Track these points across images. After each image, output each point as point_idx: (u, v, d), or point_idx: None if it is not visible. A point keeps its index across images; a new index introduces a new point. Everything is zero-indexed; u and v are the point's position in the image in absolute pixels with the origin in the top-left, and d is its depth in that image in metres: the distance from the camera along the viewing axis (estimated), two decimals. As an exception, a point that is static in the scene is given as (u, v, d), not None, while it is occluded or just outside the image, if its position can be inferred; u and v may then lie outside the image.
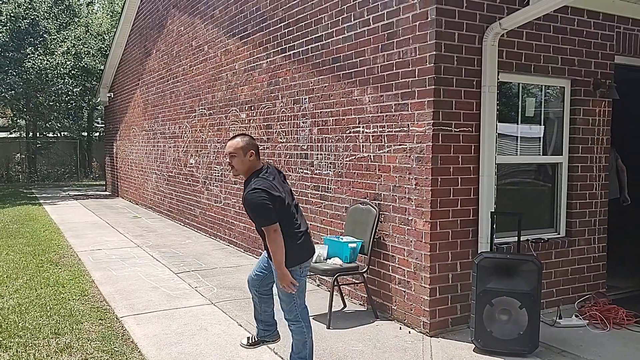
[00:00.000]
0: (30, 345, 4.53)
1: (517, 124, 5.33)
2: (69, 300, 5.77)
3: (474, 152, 4.83)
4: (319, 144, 6.28)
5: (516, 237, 4.76)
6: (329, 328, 4.91)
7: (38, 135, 24.72)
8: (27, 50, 18.67)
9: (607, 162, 5.72)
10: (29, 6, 19.25)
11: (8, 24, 18.33)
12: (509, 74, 5.06)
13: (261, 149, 7.54)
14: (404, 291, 4.99)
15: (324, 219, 6.22)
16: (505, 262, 4.38)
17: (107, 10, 22.99)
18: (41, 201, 15.39)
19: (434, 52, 4.58)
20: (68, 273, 6.90)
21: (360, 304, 5.63)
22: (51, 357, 4.28)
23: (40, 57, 18.67)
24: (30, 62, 18.40)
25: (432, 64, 4.60)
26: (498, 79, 4.86)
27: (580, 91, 5.48)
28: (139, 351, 4.43)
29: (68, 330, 4.86)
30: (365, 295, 5.40)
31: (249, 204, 3.57)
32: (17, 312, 5.35)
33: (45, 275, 6.79)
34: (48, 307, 5.50)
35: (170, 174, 11.62)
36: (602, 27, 5.53)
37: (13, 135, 24.81)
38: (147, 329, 4.90)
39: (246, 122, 8.02)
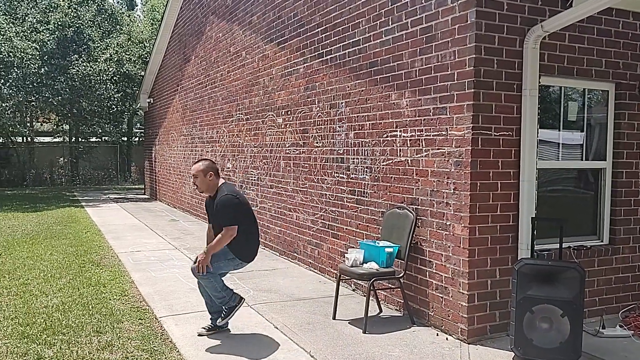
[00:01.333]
0: (73, 342, 4.65)
1: (559, 129, 5.21)
2: (110, 299, 5.91)
3: (514, 156, 4.75)
4: (356, 149, 6.28)
5: (557, 244, 4.65)
6: (365, 333, 4.89)
7: (80, 139, 25.47)
8: (72, 57, 19.27)
9: (653, 168, 5.54)
10: (75, 15, 19.89)
11: (56, 33, 18.96)
12: (550, 77, 4.96)
13: (297, 153, 7.63)
14: (442, 297, 4.93)
15: (359, 224, 6.22)
16: (546, 269, 4.28)
17: (148, 18, 23.53)
18: (83, 204, 15.84)
19: (474, 55, 4.53)
20: (109, 273, 7.08)
21: (396, 310, 5.59)
22: (93, 355, 4.39)
23: (84, 64, 19.25)
24: (74, 68, 18.98)
25: (472, 67, 4.55)
26: (539, 82, 4.78)
27: (625, 95, 5.33)
28: (177, 351, 4.50)
29: (109, 329, 4.97)
30: (402, 301, 5.36)
31: (223, 204, 4.64)
32: (61, 311, 5.51)
33: (87, 275, 6.98)
34: (90, 306, 5.65)
35: (208, 178, 11.77)
36: (648, 29, 5.37)
37: (57, 140, 25.63)
38: (185, 329, 4.98)
39: (282, 126, 8.09)
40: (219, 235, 4.61)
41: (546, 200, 5.11)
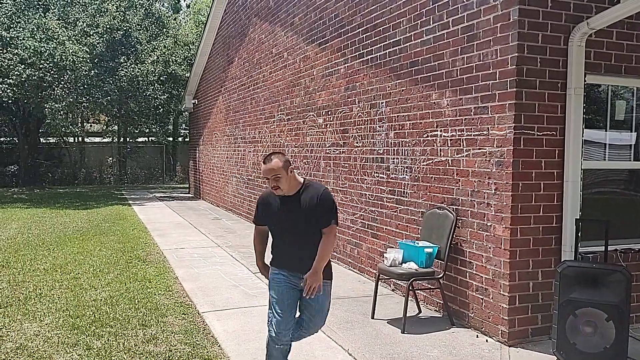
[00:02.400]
0: (120, 335, 4.83)
1: (606, 129, 5.07)
2: (155, 294, 6.09)
3: (557, 156, 4.65)
4: (396, 148, 6.27)
5: (602, 247, 4.53)
6: (403, 333, 4.89)
7: (128, 140, 26.25)
8: (121, 59, 19.89)
9: None
10: (123, 19, 20.53)
11: (105, 36, 19.62)
12: (596, 76, 4.83)
13: (337, 153, 7.67)
14: (482, 298, 4.88)
15: (399, 224, 6.21)
16: (591, 272, 4.18)
17: (194, 21, 24.05)
18: (130, 202, 16.33)
19: (516, 54, 4.47)
20: (154, 269, 7.29)
21: (435, 310, 5.56)
22: (138, 347, 4.55)
23: (132, 66, 19.84)
24: (123, 70, 19.58)
25: (514, 66, 4.48)
26: (585, 80, 4.67)
27: (677, 93, 5.14)
28: (219, 345, 4.61)
29: (154, 323, 5.14)
30: (441, 302, 5.33)
31: (328, 200, 3.57)
32: (109, 304, 5.72)
33: (133, 270, 7.21)
34: (136, 301, 5.84)
35: (250, 178, 11.98)
36: (702, 25, 5.16)
37: (106, 140, 26.50)
38: (226, 325, 5.09)
39: (323, 127, 8.15)
40: (324, 241, 3.55)
41: (592, 201, 4.98)
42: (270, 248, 3.88)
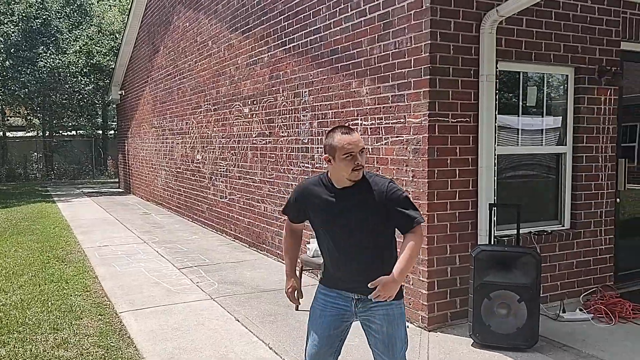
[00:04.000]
0: (28, 340, 4.54)
1: (518, 115, 5.20)
2: (71, 296, 5.79)
3: (472, 143, 4.72)
4: (319, 137, 6.21)
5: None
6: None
7: (54, 134, 25.03)
8: (40, 49, 18.85)
9: (613, 152, 5.57)
10: (41, 6, 19.44)
11: (20, 24, 18.52)
12: (508, 63, 4.93)
13: (264, 144, 7.55)
14: (403, 284, 4.90)
15: (324, 213, 6.16)
16: (503, 255, 4.29)
17: (118, 9, 23.08)
18: (55, 199, 15.56)
19: (429, 42, 4.48)
20: (73, 269, 6.94)
21: (360, 299, 5.56)
22: (47, 352, 4.29)
23: (53, 56, 18.85)
24: (42, 61, 18.58)
25: (428, 54, 4.50)
26: (497, 67, 4.75)
27: (585, 79, 5.33)
28: (135, 346, 4.42)
29: (67, 326, 4.87)
30: (365, 290, 5.33)
31: (400, 192, 2.72)
32: (19, 308, 5.38)
33: (50, 271, 6.84)
34: (49, 303, 5.52)
35: (179, 170, 11.66)
36: (607, 13, 5.37)
37: (30, 135, 25.15)
38: (144, 324, 4.89)
39: (249, 116, 7.99)
40: (414, 243, 2.67)
41: (507, 186, 5.11)
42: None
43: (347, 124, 2.93)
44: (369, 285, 2.58)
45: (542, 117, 5.34)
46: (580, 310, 4.99)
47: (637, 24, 5.56)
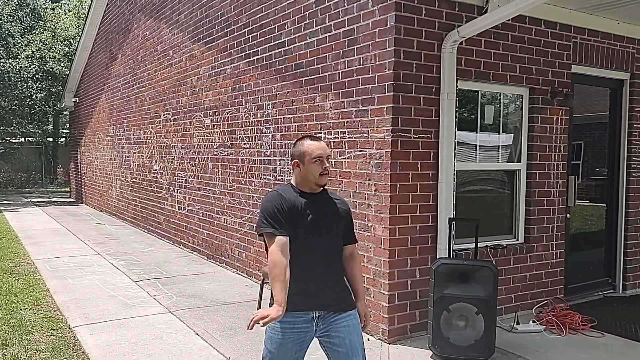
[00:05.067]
0: (-25, 356, 4.35)
1: (477, 131, 5.37)
2: (21, 309, 5.57)
3: (433, 158, 4.84)
4: (282, 150, 6.23)
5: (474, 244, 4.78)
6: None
7: (1, 140, 24.06)
8: (-11, 52, 18.21)
9: (564, 169, 5.81)
10: (-8, 8, 18.85)
11: (-31, 26, 17.86)
12: (468, 82, 5.10)
13: (225, 155, 7.50)
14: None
15: (286, 226, 6.16)
16: (462, 268, 4.39)
17: (74, 14, 22.54)
18: (1, 208, 14.94)
19: (393, 59, 4.59)
20: (22, 282, 6.68)
21: (321, 312, 5.57)
22: (-4, 369, 4.12)
23: (2, 61, 18.21)
24: (-8, 65, 17.95)
25: (391, 71, 4.60)
26: (457, 86, 4.90)
27: (538, 99, 5.56)
28: (90, 361, 4.29)
29: (17, 341, 4.68)
30: (326, 303, 5.35)
31: (348, 207, 2.94)
32: (-35, 323, 5.14)
33: (-3, 284, 6.56)
34: (-2, 317, 5.30)
35: (135, 180, 11.42)
36: (559, 37, 5.63)
37: (-26, 140, 24.10)
38: (100, 339, 4.76)
39: (210, 127, 7.93)
40: (357, 259, 2.96)
41: (465, 200, 5.25)
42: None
43: (319, 137, 3.00)
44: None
45: (499, 134, 5.53)
46: (534, 322, 5.16)
47: (587, 48, 5.85)
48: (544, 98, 5.59)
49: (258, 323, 2.46)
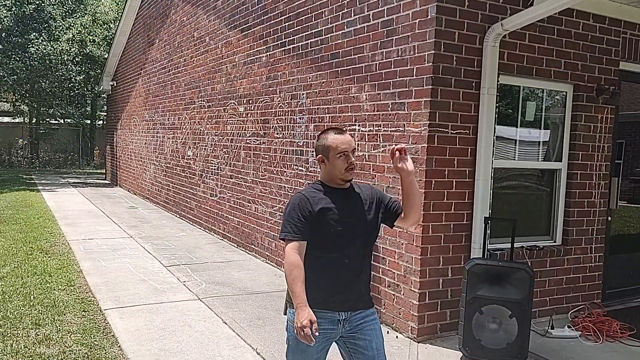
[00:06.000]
0: (8, 335, 4.44)
1: (517, 128, 5.20)
2: (54, 290, 5.68)
3: (470, 155, 4.70)
4: (315, 141, 6.15)
5: (510, 244, 4.64)
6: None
7: (41, 121, 24.68)
8: (31, 35, 18.57)
9: (607, 170, 5.59)
10: (35, -9, 19.21)
11: (13, 9, 18.23)
12: (509, 77, 4.93)
13: (257, 144, 7.48)
14: (393, 294, 4.88)
15: (316, 218, 6.11)
16: (497, 270, 4.26)
17: (114, -1, 22.84)
18: (39, 187, 15.33)
19: (433, 51, 4.46)
20: (57, 262, 6.82)
21: (349, 306, 5.52)
22: (28, 349, 4.19)
23: (44, 43, 18.58)
24: (33, 47, 18.31)
25: (431, 63, 4.47)
26: (498, 81, 4.74)
27: (583, 97, 5.34)
28: (119, 346, 4.33)
29: (49, 322, 4.77)
30: (355, 297, 5.29)
31: (380, 194, 2.88)
32: (0, 301, 5.26)
33: (33, 263, 6.70)
34: (32, 297, 5.41)
35: (168, 166, 11.54)
36: (607, 32, 5.39)
37: (16, 121, 24.77)
38: (129, 323, 4.81)
39: (244, 115, 7.91)
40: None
41: (501, 199, 5.10)
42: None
43: (344, 129, 2.87)
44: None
45: (539, 132, 5.35)
46: (569, 327, 5.00)
47: (637, 44, 5.59)
48: (589, 95, 5.37)
49: (305, 339, 2.44)
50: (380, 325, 2.80)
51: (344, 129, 3.20)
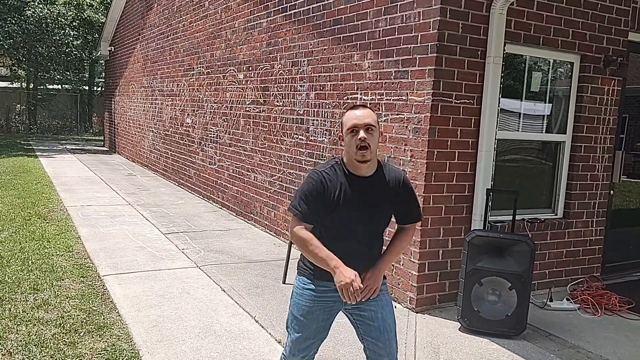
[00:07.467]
0: (7, 300, 4.43)
1: (521, 99, 5.11)
2: (53, 255, 5.66)
3: (473, 125, 4.62)
4: (316, 109, 6.07)
5: (511, 216, 4.60)
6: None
7: (39, 86, 24.40)
8: (27, -2, 18.24)
9: (612, 143, 5.51)
10: (31, -47, 18.76)
11: (9, -30, 17.87)
12: (516, 46, 4.81)
13: (257, 112, 7.38)
14: (393, 265, 4.86)
15: (316, 187, 6.06)
16: (497, 241, 4.23)
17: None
18: (37, 153, 15.24)
19: (439, 18, 4.33)
20: (55, 228, 6.79)
21: (348, 275, 5.51)
22: (27, 313, 4.18)
23: (41, 6, 18.23)
24: (30, 10, 17.96)
25: (436, 30, 4.35)
26: (504, 50, 4.62)
27: (590, 68, 5.24)
28: (117, 312, 4.33)
29: (47, 287, 4.75)
30: (354, 267, 5.28)
31: (410, 184, 2.69)
32: (-2, 265, 5.25)
33: (31, 229, 6.68)
34: (30, 262, 5.39)
35: (167, 133, 11.43)
36: (617, 1, 5.25)
37: (14, 86, 24.49)
38: (128, 290, 4.80)
39: (243, 82, 7.79)
40: (406, 236, 2.69)
41: (503, 170, 5.03)
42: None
43: (366, 104, 2.67)
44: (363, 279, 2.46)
45: (544, 103, 5.25)
46: (567, 300, 5.00)
47: (647, 14, 5.46)
48: (596, 67, 5.26)
49: (354, 295, 2.36)
50: (390, 297, 2.69)
51: (366, 104, 2.97)
